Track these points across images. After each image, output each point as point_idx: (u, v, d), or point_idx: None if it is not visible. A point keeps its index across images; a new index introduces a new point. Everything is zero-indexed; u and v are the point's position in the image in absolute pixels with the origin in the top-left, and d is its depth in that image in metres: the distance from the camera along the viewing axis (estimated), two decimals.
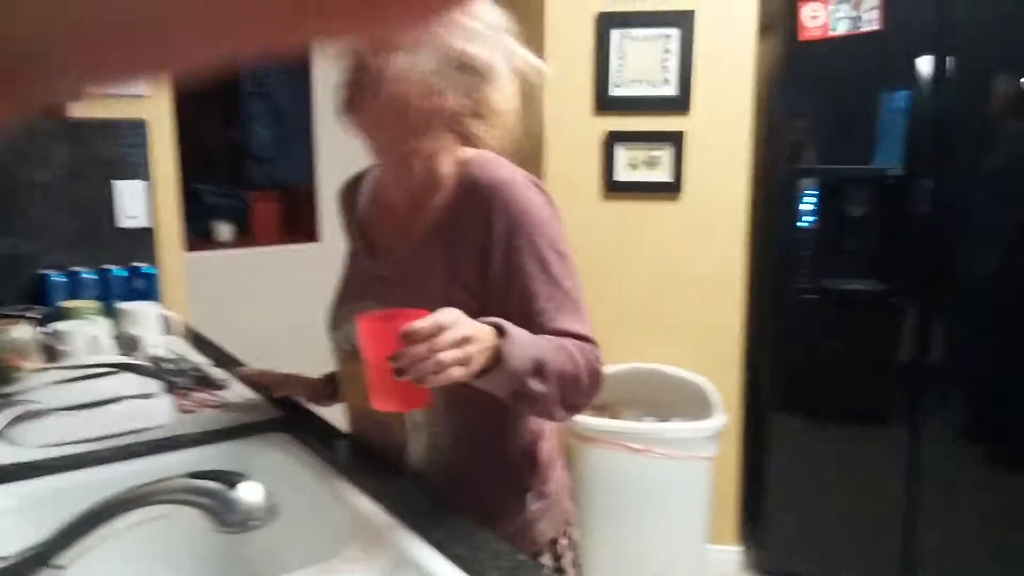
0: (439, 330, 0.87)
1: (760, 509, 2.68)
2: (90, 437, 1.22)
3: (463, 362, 0.88)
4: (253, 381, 1.43)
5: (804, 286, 2.50)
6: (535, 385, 0.96)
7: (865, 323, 2.50)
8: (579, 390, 1.03)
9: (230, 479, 0.68)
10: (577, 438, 2.45)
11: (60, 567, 0.74)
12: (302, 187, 3.26)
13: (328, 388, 1.34)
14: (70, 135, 1.99)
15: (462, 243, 1.06)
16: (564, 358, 1.00)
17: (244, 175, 3.97)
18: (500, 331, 0.95)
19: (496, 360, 0.93)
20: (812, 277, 2.50)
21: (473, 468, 1.12)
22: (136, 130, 2.08)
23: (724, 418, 2.42)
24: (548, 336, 1.02)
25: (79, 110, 1.98)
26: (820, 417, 2.58)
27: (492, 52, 1.08)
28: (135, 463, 1.19)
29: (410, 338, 0.86)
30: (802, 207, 2.48)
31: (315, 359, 1.42)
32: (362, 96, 1.04)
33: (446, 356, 0.86)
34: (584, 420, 2.39)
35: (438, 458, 1.12)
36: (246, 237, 3.26)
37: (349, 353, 1.18)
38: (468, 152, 1.11)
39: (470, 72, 1.06)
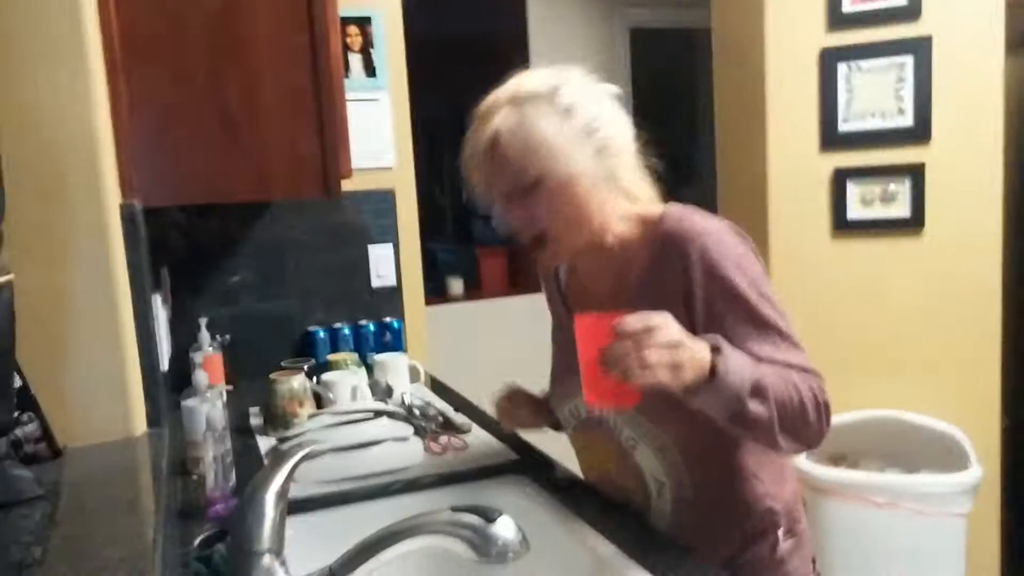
0: (648, 329, 0.89)
1: None
2: (355, 475, 1.36)
3: (671, 366, 0.89)
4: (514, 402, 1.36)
5: None
6: (754, 407, 0.94)
7: None
8: (804, 420, 0.98)
9: (488, 514, 0.75)
10: (813, 490, 2.32)
11: None
12: None
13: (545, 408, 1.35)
14: (331, 206, 2.25)
15: (665, 298, 1.05)
16: (786, 384, 0.97)
17: (471, 233, 4.23)
18: (716, 349, 0.94)
19: (712, 377, 0.92)
20: None
21: (719, 514, 1.12)
22: (386, 198, 2.32)
23: (981, 470, 2.21)
24: (768, 362, 0.99)
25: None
26: None
27: (607, 115, 1.09)
28: (391, 500, 1.32)
29: (619, 334, 0.89)
30: None
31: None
32: (542, 239, 1.10)
33: (651, 355, 0.88)
34: (821, 471, 2.27)
35: (685, 517, 1.13)
36: (475, 290, 3.46)
37: (577, 427, 1.24)
38: (657, 209, 1.11)
39: (604, 151, 1.07)
